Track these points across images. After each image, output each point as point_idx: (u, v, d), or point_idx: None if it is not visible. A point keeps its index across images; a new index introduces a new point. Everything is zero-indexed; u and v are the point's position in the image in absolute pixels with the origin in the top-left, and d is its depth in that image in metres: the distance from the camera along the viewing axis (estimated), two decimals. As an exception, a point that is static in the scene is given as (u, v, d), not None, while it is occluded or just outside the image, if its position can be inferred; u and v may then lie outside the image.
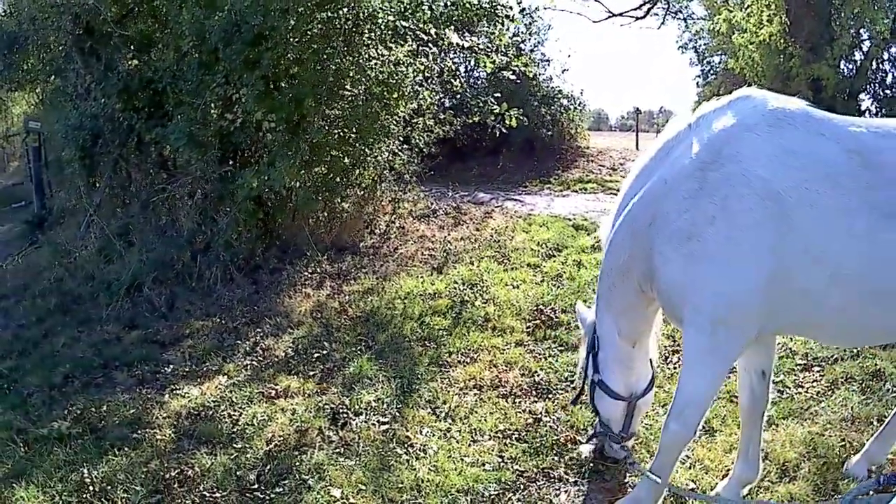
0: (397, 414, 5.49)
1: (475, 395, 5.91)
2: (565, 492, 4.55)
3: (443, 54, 10.37)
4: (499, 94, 11.22)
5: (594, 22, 26.83)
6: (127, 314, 7.36)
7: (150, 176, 8.87)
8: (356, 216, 10.36)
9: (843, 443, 4.82)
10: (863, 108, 20.85)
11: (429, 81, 10.36)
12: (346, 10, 8.53)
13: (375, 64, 9.14)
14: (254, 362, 6.34)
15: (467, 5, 9.64)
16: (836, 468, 4.51)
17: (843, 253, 3.12)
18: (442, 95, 10.89)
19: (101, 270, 8.07)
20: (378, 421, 5.36)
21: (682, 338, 3.61)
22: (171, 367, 6.18)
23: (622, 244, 3.77)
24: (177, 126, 8.07)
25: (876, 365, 5.76)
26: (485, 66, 10.92)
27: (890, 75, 20.81)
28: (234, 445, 4.93)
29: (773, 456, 4.60)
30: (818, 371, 5.97)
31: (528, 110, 15.24)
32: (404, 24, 8.95)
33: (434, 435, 5.21)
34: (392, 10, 9.06)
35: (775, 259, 3.18)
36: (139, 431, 5.04)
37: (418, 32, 9.43)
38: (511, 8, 10.50)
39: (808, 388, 5.69)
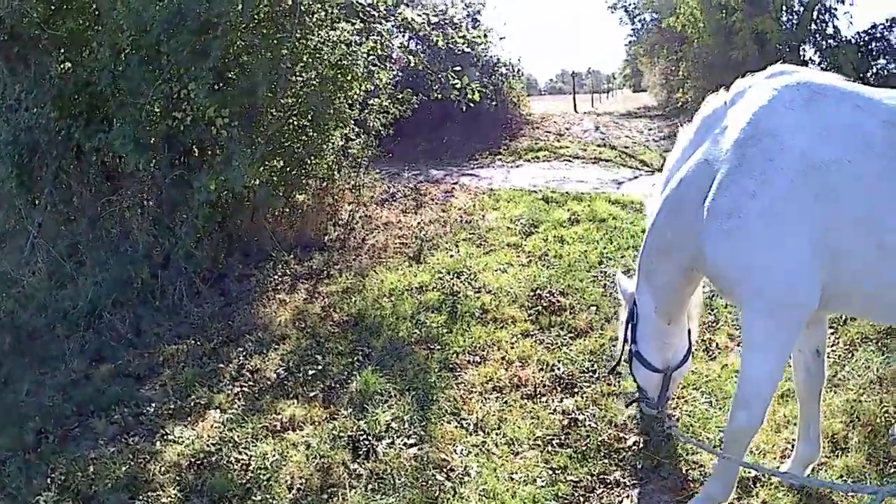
0: (423, 432, 4.91)
1: (497, 398, 5.41)
2: (627, 497, 4.25)
3: (396, 31, 9.63)
4: (459, 68, 10.56)
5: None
6: (91, 346, 6.46)
7: (94, 188, 7.94)
8: (317, 209, 9.64)
9: (881, 406, 4.79)
10: (806, 58, 20.98)
11: (383, 60, 9.63)
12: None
13: (328, 45, 8.39)
14: (244, 389, 5.61)
15: None
16: (882, 434, 4.48)
17: (890, 224, 3.05)
18: (397, 73, 10.13)
19: (54, 298, 7.11)
20: (405, 444, 4.78)
21: (742, 321, 3.43)
22: (154, 405, 5.38)
23: (665, 224, 3.74)
24: (120, 130, 7.17)
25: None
26: (436, 42, 10.26)
27: (830, 25, 20.92)
28: (253, 498, 4.25)
29: (823, 429, 4.31)
30: (833, 333, 5.84)
31: (479, 81, 14.76)
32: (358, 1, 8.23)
33: (470, 452, 4.69)
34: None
35: (821, 232, 3.11)
36: (140, 496, 4.28)
37: (368, 9, 8.70)
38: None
39: (828, 353, 5.26)
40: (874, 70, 20.28)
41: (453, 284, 7.67)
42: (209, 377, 5.79)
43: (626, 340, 4.26)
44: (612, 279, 7.82)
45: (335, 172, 9.90)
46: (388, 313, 6.97)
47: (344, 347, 6.28)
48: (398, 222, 10.48)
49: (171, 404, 5.39)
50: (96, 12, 7.65)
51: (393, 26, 9.56)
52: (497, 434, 4.88)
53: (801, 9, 20.42)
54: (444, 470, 4.48)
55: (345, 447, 4.73)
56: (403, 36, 9.90)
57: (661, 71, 31.37)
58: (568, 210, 10.80)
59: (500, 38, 22.24)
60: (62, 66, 7.93)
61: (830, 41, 20.76)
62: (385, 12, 9.23)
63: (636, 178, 14.70)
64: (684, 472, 4.40)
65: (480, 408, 5.22)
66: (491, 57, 18.60)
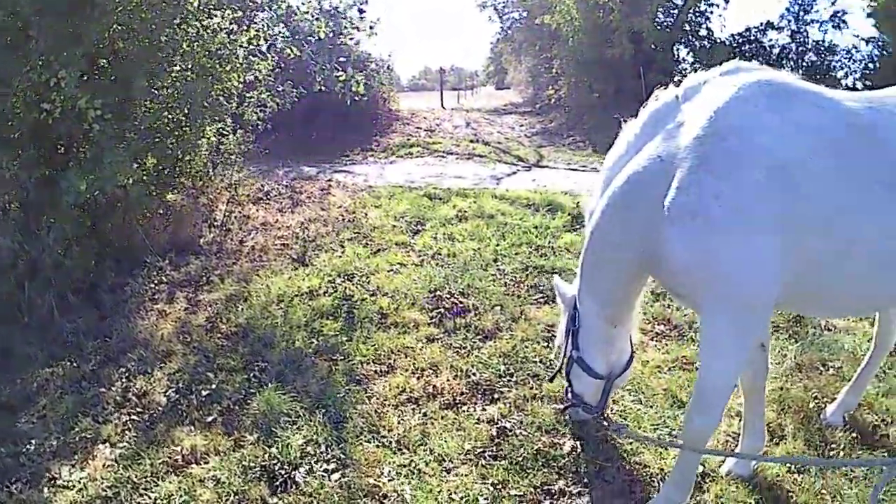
0: (342, 455, 4.47)
1: (415, 411, 5.05)
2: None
3: (275, 19, 9.06)
4: (344, 59, 10.10)
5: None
6: None
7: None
8: (192, 209, 8.95)
9: (808, 392, 5.07)
10: (679, 57, 21.77)
11: (263, 51, 9.05)
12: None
13: (208, 33, 7.76)
14: (133, 417, 4.97)
15: None
16: (815, 419, 4.71)
17: (853, 223, 3.11)
18: (276, 65, 9.55)
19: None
20: (325, 470, 4.32)
21: (700, 325, 3.35)
22: (34, 442, 4.63)
23: (612, 225, 3.54)
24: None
25: (790, 312, 5.94)
26: (318, 31, 9.76)
27: (704, 27, 21.75)
28: (162, 548, 3.69)
29: (764, 421, 4.42)
30: None
31: (347, 76, 14.34)
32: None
33: (399, 474, 4.30)
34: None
35: (786, 231, 3.06)
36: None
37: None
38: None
39: None
40: (746, 71, 21.25)
41: (346, 288, 7.27)
42: (92, 405, 5.09)
43: (568, 346, 4.14)
44: (511, 277, 7.63)
45: (210, 170, 9.23)
46: (279, 322, 6.48)
47: (236, 363, 5.74)
48: (276, 222, 9.96)
49: (53, 440, 4.66)
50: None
51: (275, 14, 8.94)
52: (423, 450, 4.52)
53: (677, 11, 21.11)
54: (376, 497, 4.08)
55: (259, 479, 4.22)
56: (285, 26, 9.28)
57: (528, 69, 31.81)
58: (453, 206, 10.61)
59: (372, 33, 21.66)
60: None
61: (704, 42, 21.61)
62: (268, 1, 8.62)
63: (514, 173, 14.70)
64: (630, 474, 4.24)
65: (399, 422, 4.85)
66: (362, 51, 18.12)
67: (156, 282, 7.39)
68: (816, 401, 4.95)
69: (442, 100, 30.79)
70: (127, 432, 4.78)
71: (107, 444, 4.63)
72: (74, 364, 5.72)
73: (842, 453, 4.37)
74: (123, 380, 5.47)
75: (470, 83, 47.85)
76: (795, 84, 3.37)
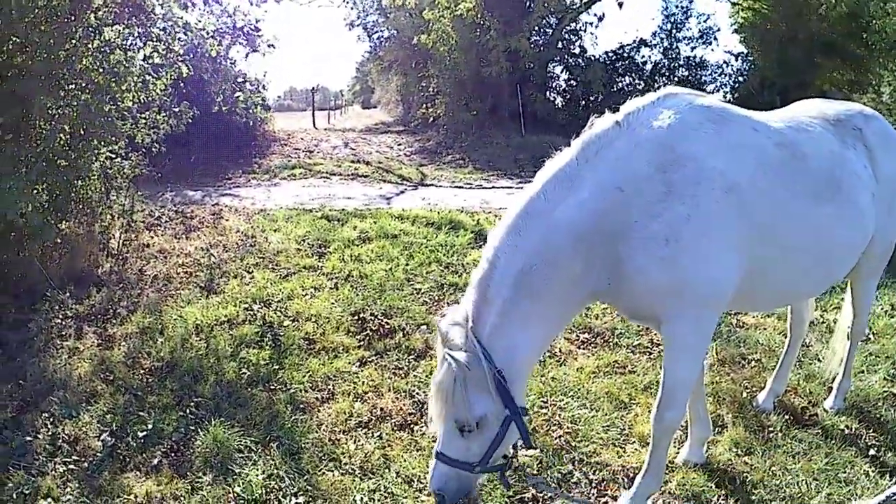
0: (308, 487, 4.32)
1: (368, 434, 4.97)
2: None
3: (169, 36, 8.71)
4: (242, 80, 9.82)
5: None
6: None
7: None
8: (86, 238, 8.42)
9: (735, 384, 5.54)
10: (555, 74, 22.33)
11: (157, 69, 8.67)
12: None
13: (104, 49, 7.38)
14: (70, 466, 4.55)
15: None
16: (748, 407, 5.16)
17: (788, 232, 3.58)
18: (171, 86, 9.16)
19: None
20: (296, 503, 4.16)
21: (664, 331, 3.54)
22: None
23: (563, 255, 3.34)
24: None
25: None
26: (212, 49, 9.45)
27: (577, 45, 22.41)
28: None
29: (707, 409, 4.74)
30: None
31: (224, 94, 14.01)
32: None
33: (373, 500, 4.21)
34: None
35: (740, 244, 3.39)
36: None
37: (148, 11, 7.78)
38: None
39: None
40: (620, 86, 22.07)
41: (265, 314, 7.07)
42: (20, 455, 4.63)
43: (498, 407, 3.29)
44: (429, 296, 7.61)
45: (105, 196, 8.75)
46: (204, 354, 6.20)
47: (168, 399, 5.42)
48: (174, 249, 9.55)
49: (-13, 501, 4.25)
50: None
51: (171, 29, 8.59)
52: (389, 474, 4.44)
53: (551, 30, 21.68)
54: None
55: (226, 523, 3.99)
56: (179, 42, 8.92)
57: (398, 87, 31.89)
58: (353, 227, 10.55)
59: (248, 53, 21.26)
60: None
61: (578, 59, 22.26)
62: (163, 18, 8.26)
63: (402, 192, 14.72)
64: (594, 474, 4.41)
65: (356, 448, 4.74)
66: (238, 71, 17.70)
67: (60, 316, 6.89)
68: (746, 390, 5.41)
69: (314, 120, 30.47)
70: (68, 483, 4.38)
71: (48, 499, 4.22)
72: (-11, 413, 5.24)
73: (779, 434, 4.82)
74: (49, 425, 5.02)
75: (336, 102, 47.63)
76: (728, 108, 3.69)
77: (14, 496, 4.23)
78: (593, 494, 4.23)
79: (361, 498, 4.20)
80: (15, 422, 5.10)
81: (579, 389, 5.39)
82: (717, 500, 4.11)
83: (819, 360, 5.93)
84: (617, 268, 3.37)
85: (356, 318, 6.98)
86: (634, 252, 3.31)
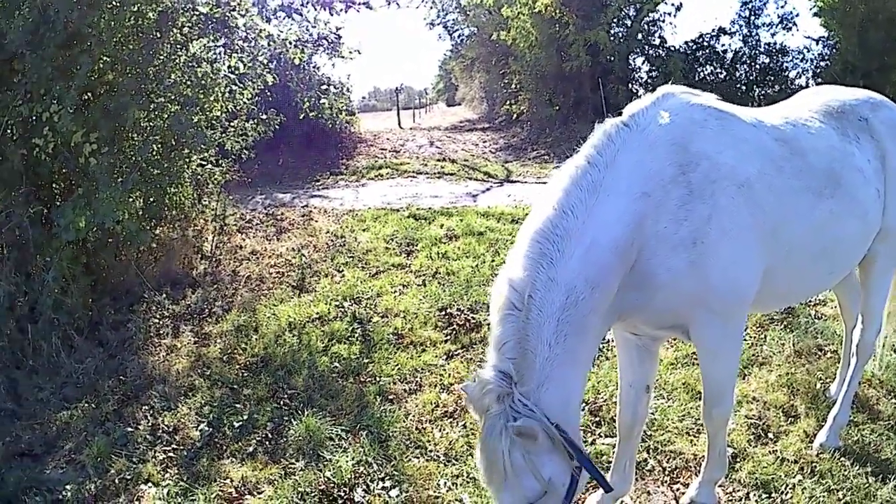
0: (395, 472, 4.44)
1: (453, 424, 5.04)
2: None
3: (253, 48, 9.00)
4: (325, 88, 10.09)
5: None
6: None
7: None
8: (182, 241, 8.77)
9: (811, 375, 5.41)
10: (636, 66, 22.06)
11: (242, 79, 8.96)
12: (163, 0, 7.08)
13: (192, 63, 7.69)
14: (171, 454, 4.80)
15: None
16: (821, 398, 5.04)
17: (795, 228, 3.50)
18: (257, 94, 9.46)
19: None
20: (383, 488, 4.29)
21: (694, 337, 3.42)
22: (69, 488, 4.40)
23: (610, 275, 3.03)
24: (-32, 162, 6.12)
25: None
26: (295, 58, 9.71)
27: (657, 35, 22.08)
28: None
29: (770, 402, 4.98)
30: None
31: (309, 100, 14.31)
32: (231, 14, 7.59)
33: (455, 485, 4.28)
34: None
35: (757, 240, 3.34)
36: None
37: (231, 25, 8.06)
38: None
39: (745, 337, 5.84)
40: (701, 76, 21.63)
41: (355, 311, 7.23)
42: (121, 445, 4.90)
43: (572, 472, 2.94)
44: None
45: (198, 201, 9.10)
46: (297, 349, 6.39)
47: (263, 392, 5.62)
48: (265, 250, 9.82)
49: (90, 484, 4.45)
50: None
51: (255, 40, 8.88)
52: (472, 460, 4.38)
53: (630, 21, 21.42)
54: None
55: (319, 503, 4.14)
56: (262, 52, 9.23)
57: (481, 84, 31.97)
58: (440, 226, 10.62)
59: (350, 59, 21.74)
60: None
61: (659, 50, 21.92)
62: (246, 30, 8.55)
63: (488, 189, 14.74)
64: (668, 462, 4.44)
65: (441, 436, 4.83)
66: (322, 75, 18.08)
67: (158, 316, 7.20)
68: (821, 381, 5.30)
69: (399, 119, 30.81)
70: (168, 469, 4.62)
71: (149, 483, 4.45)
72: (93, 405, 5.52)
73: (850, 426, 4.66)
74: (149, 417, 5.30)
75: (421, 101, 48.01)
76: (725, 105, 3.60)
77: (116, 481, 4.48)
78: (666, 481, 4.24)
79: (445, 482, 4.29)
80: (117, 414, 5.38)
81: (658, 380, 5.33)
82: (785, 489, 4.06)
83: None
84: (647, 280, 3.16)
85: (443, 313, 7.07)
86: (667, 259, 3.14)
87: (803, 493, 3.98)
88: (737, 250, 3.25)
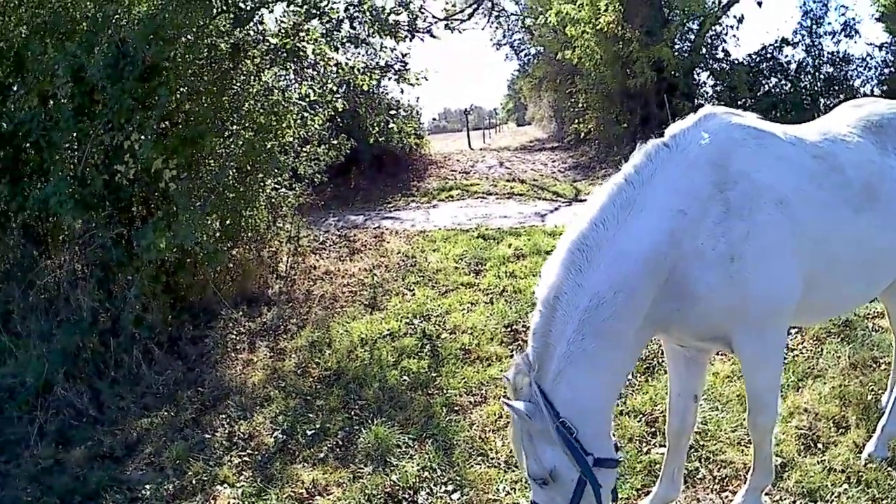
0: (457, 477, 4.63)
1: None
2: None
3: (321, 75, 9.37)
4: (393, 112, 10.39)
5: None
6: (51, 427, 5.70)
7: (19, 251, 7.25)
8: (256, 262, 9.12)
9: (866, 386, 5.34)
10: (700, 81, 21.90)
11: (313, 105, 9.31)
12: (234, 33, 7.47)
13: (264, 91, 8.06)
14: (245, 459, 5.09)
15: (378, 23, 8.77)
16: (874, 410, 4.94)
17: (835, 243, 3.55)
18: (328, 120, 9.82)
19: (-7, 375, 6.37)
20: (445, 492, 4.50)
21: (735, 349, 3.51)
22: (149, 487, 4.77)
23: (636, 285, 3.17)
24: (57, 186, 6.54)
25: (839, 317, 6.22)
26: (363, 84, 10.02)
27: (720, 49, 21.91)
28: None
29: (821, 413, 4.97)
30: (797, 333, 6.36)
31: (378, 125, 14.65)
32: (301, 45, 7.96)
33: (514, 490, 4.45)
34: (280, 31, 8.11)
35: (796, 255, 3.40)
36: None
37: (301, 54, 8.44)
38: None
39: (800, 351, 6.10)
40: (766, 88, 21.32)
41: (425, 328, 7.41)
42: (199, 450, 5.22)
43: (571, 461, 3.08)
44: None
45: (272, 223, 9.46)
46: (367, 363, 6.61)
47: (335, 403, 5.87)
48: (338, 271, 10.11)
49: (168, 484, 4.80)
50: (21, 57, 7.04)
51: (324, 68, 9.26)
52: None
53: (693, 36, 21.31)
54: None
55: (385, 505, 4.34)
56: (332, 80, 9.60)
57: (549, 103, 32.06)
58: (508, 245, 10.73)
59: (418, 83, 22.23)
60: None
61: (723, 63, 21.72)
62: (315, 58, 8.92)
63: (556, 209, 14.81)
64: (718, 471, 4.50)
65: (503, 445, 4.95)
66: (391, 99, 18.47)
67: (234, 332, 7.54)
68: (873, 393, 5.24)
69: (469, 140, 31.11)
70: (243, 472, 4.91)
71: (224, 485, 4.75)
72: (172, 413, 5.87)
73: None
74: (226, 425, 5.60)
75: (489, 121, 48.27)
76: (764, 123, 3.66)
77: (193, 482, 4.81)
78: (716, 489, 4.32)
79: (504, 487, 4.45)
80: (195, 422, 5.73)
81: (713, 392, 5.41)
82: (831, 497, 4.09)
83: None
84: (686, 292, 3.27)
85: (509, 329, 7.20)
86: (705, 273, 3.24)
87: (848, 501, 4.02)
88: (774, 265, 3.35)
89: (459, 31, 11.31)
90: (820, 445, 4.63)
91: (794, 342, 6.27)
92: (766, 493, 4.06)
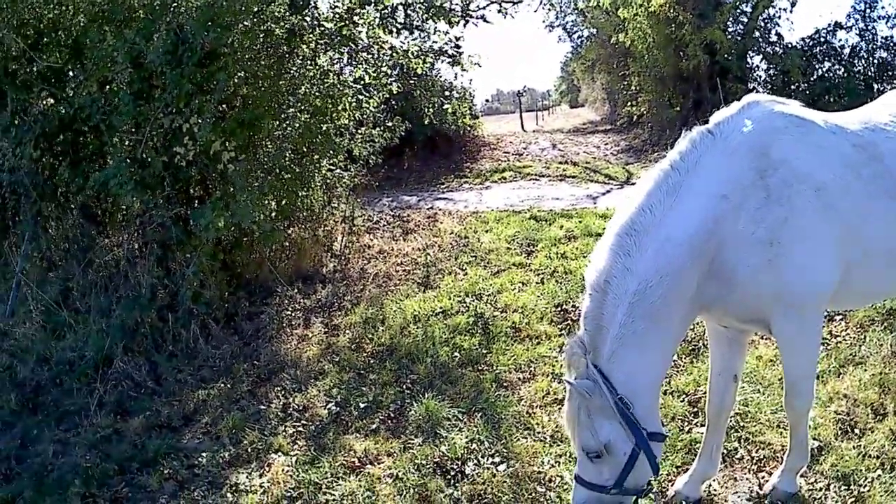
0: (504, 450, 4.77)
1: (561, 410, 5.13)
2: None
3: (376, 58, 9.51)
4: (447, 94, 10.49)
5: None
6: (110, 398, 5.96)
7: (79, 230, 7.56)
8: (312, 241, 9.33)
9: None
10: (753, 65, 21.50)
11: (368, 88, 9.46)
12: (290, 19, 7.66)
13: (320, 75, 8.25)
14: (300, 428, 5.28)
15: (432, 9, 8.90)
16: None
17: (872, 230, 3.59)
18: (382, 102, 9.98)
19: (54, 348, 6.63)
20: (492, 463, 4.63)
21: (773, 332, 3.62)
22: (205, 455, 4.99)
23: (681, 269, 3.32)
24: (117, 168, 6.80)
25: (884, 305, 6.19)
26: (417, 67, 10.13)
27: (774, 32, 21.48)
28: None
29: (860, 400, 4.94)
30: (843, 319, 6.36)
31: (432, 106, 14.71)
32: (352, 29, 8.09)
33: (558, 462, 4.57)
34: (334, 17, 8.28)
35: (833, 242, 3.48)
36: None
37: (355, 39, 8.59)
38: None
39: (843, 337, 6.07)
40: (819, 73, 20.85)
41: (476, 306, 7.51)
42: (254, 420, 5.44)
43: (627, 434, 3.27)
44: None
45: (327, 203, 9.65)
46: (419, 339, 6.75)
47: (387, 377, 6.04)
48: (392, 250, 10.27)
49: (224, 452, 5.01)
50: (81, 44, 7.33)
51: (378, 52, 9.40)
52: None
53: (746, 18, 20.94)
54: (541, 482, 4.37)
55: (433, 474, 4.51)
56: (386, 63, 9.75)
57: (602, 86, 31.77)
58: (560, 227, 10.77)
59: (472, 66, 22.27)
60: (44, 101, 7.55)
61: (776, 47, 21.29)
62: (369, 42, 9.07)
63: (608, 192, 14.76)
64: (757, 452, 4.56)
65: (549, 420, 5.09)
66: (444, 80, 18.49)
67: (290, 309, 7.74)
68: None
69: (522, 122, 31.02)
70: (297, 442, 5.10)
71: (279, 453, 4.95)
72: (228, 385, 6.09)
73: None
74: (281, 397, 5.81)
75: (542, 103, 48.00)
76: (806, 111, 3.77)
77: (249, 450, 5.02)
78: (753, 469, 4.39)
79: (549, 461, 4.58)
80: (251, 394, 5.95)
81: (755, 375, 5.46)
82: (864, 482, 4.12)
83: None
84: (727, 275, 3.41)
85: (559, 309, 7.28)
86: (745, 257, 3.38)
87: (881, 486, 4.05)
88: (812, 251, 3.43)
89: (512, 16, 11.27)
90: (857, 431, 4.66)
91: (838, 329, 6.29)
92: (802, 475, 4.14)
